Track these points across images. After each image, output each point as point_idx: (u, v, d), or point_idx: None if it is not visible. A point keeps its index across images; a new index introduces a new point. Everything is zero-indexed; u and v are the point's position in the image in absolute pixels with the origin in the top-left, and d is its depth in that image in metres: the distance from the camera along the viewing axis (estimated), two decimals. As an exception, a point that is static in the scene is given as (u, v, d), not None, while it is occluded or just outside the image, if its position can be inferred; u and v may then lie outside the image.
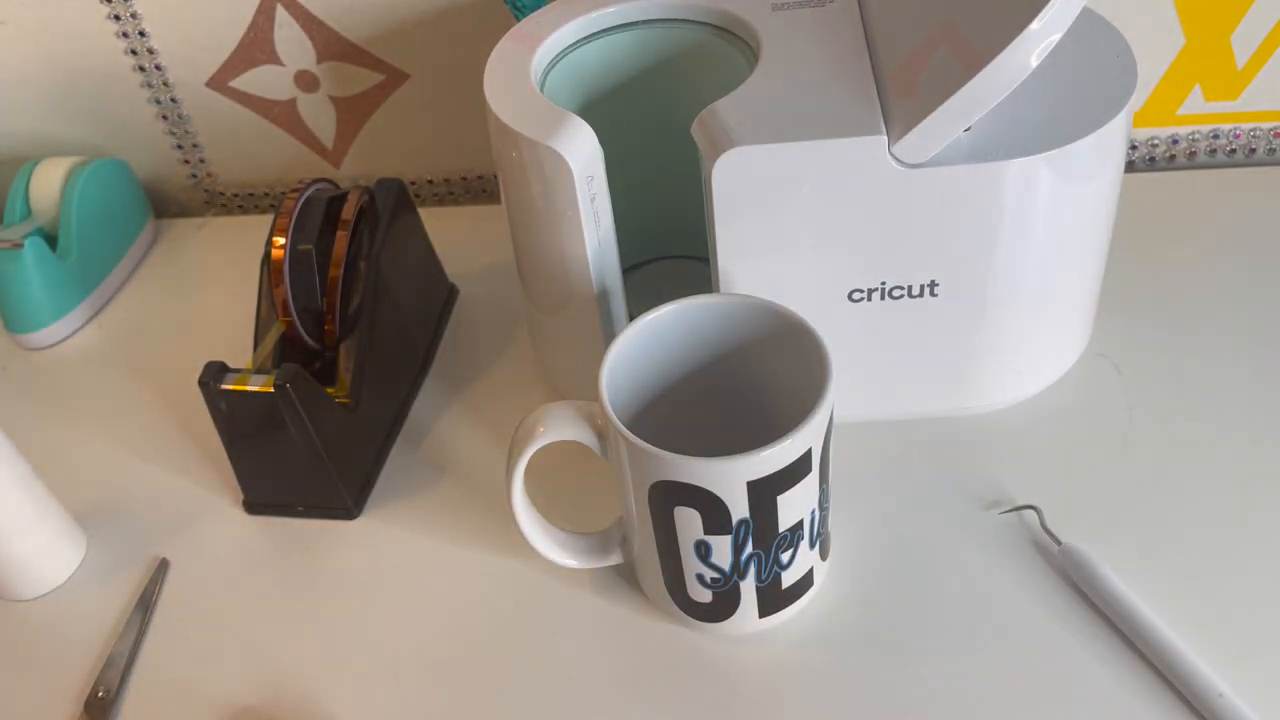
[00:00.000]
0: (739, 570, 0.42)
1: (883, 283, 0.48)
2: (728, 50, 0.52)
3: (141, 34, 0.74)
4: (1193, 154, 0.69)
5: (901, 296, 0.48)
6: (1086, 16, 0.50)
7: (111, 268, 0.74)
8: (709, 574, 0.43)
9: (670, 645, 0.47)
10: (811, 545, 0.44)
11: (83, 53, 0.75)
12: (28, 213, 0.71)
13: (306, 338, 0.56)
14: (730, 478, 0.39)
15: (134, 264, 0.76)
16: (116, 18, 0.73)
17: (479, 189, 0.79)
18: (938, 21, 0.45)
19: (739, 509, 0.40)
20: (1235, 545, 0.47)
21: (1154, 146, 0.70)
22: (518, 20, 0.57)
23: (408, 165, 0.78)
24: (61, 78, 0.77)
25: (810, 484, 0.42)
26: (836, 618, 0.47)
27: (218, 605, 0.52)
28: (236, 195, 0.82)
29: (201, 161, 0.81)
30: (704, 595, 0.44)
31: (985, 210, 0.46)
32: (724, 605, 0.44)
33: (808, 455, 0.40)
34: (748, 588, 0.43)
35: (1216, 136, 0.69)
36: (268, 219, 0.74)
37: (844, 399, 0.53)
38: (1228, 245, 0.62)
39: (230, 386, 0.51)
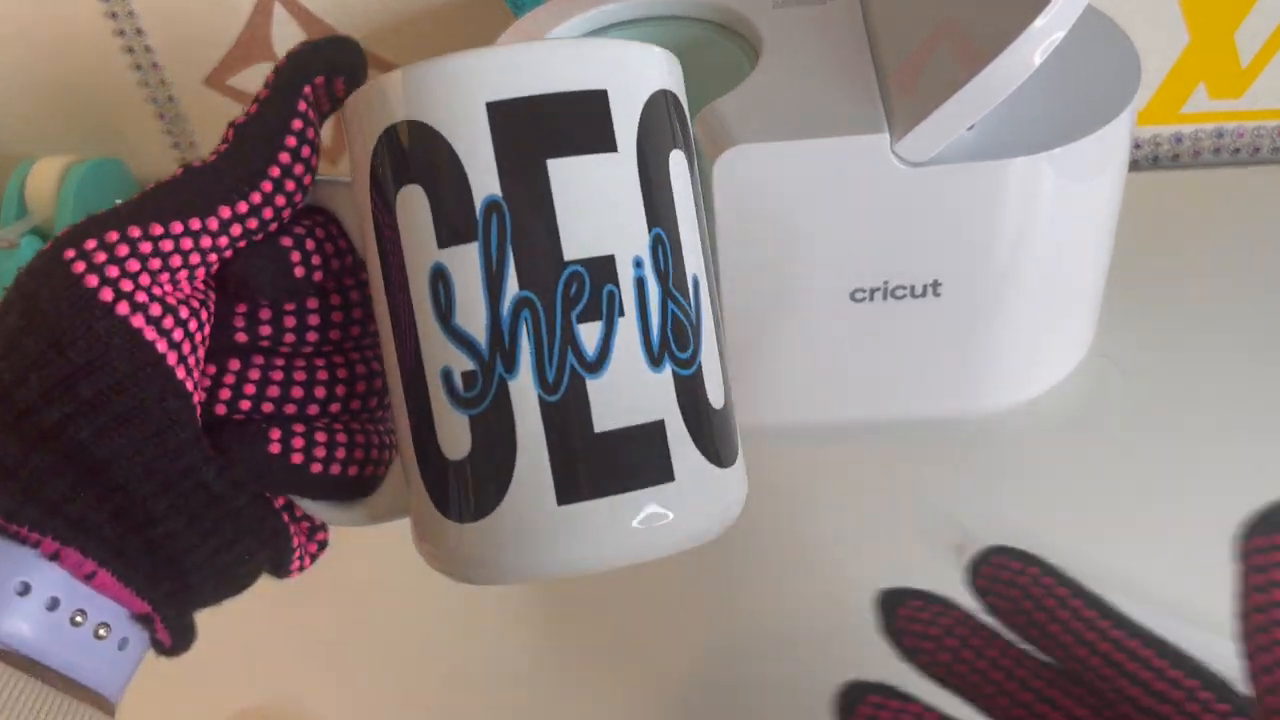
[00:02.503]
0: (502, 343, 0.23)
1: (885, 282, 0.48)
2: (728, 48, 0.52)
3: (139, 32, 0.73)
4: (1197, 153, 0.69)
5: (904, 296, 0.48)
6: (1090, 14, 0.49)
7: (108, 267, 0.73)
8: (458, 364, 0.24)
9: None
10: (652, 349, 0.24)
11: (79, 51, 0.75)
12: (23, 212, 0.71)
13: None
14: (454, 82, 0.23)
15: (131, 263, 0.76)
16: (113, 15, 0.72)
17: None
18: (940, 19, 0.45)
19: (484, 176, 0.23)
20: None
21: (1158, 145, 0.69)
22: (516, 17, 0.56)
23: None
24: (57, 76, 0.76)
25: (621, 177, 0.24)
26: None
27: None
28: (234, 194, 0.82)
29: (199, 160, 0.80)
30: (458, 436, 0.24)
31: (988, 209, 0.45)
32: (487, 460, 0.24)
33: (601, 105, 0.24)
34: (525, 401, 0.23)
35: (1221, 135, 0.68)
36: (265, 218, 0.73)
37: (845, 399, 0.53)
38: (1232, 245, 0.62)
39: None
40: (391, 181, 0.24)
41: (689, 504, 0.24)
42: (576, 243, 0.23)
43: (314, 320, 0.28)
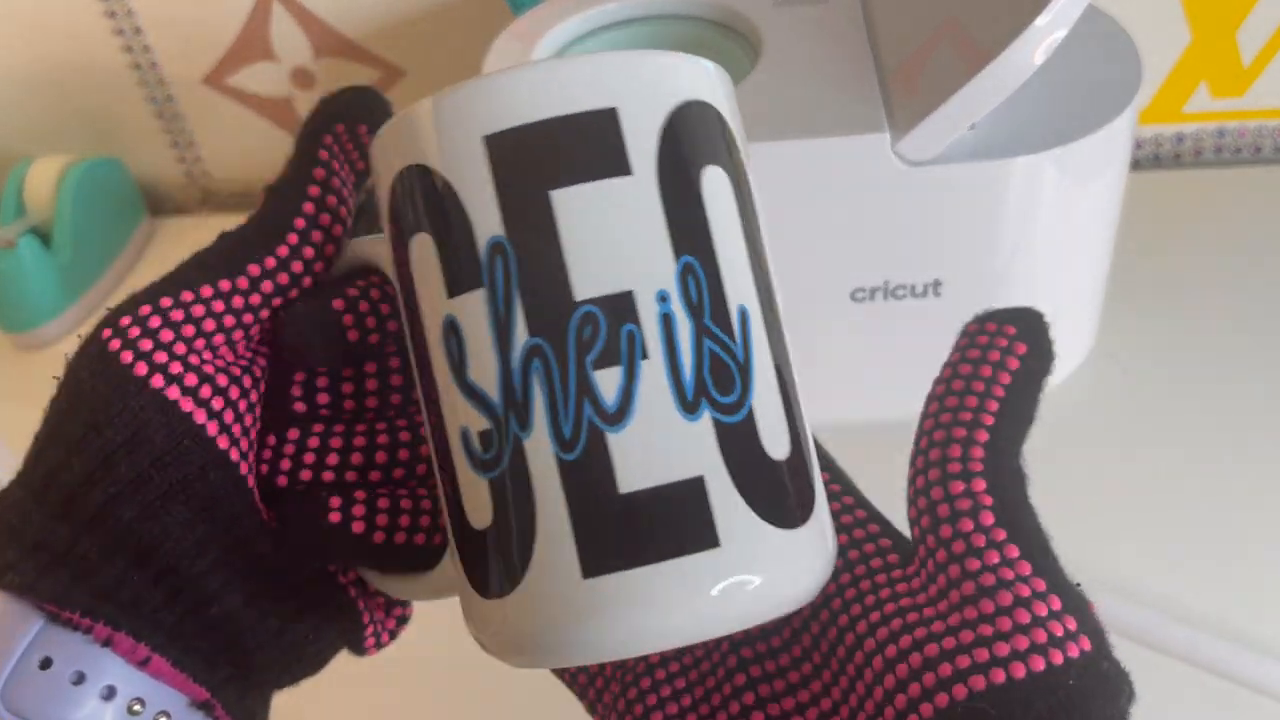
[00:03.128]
0: (514, 398, 0.21)
1: (886, 281, 0.48)
2: (729, 47, 0.52)
3: (137, 31, 0.73)
4: (1198, 152, 0.69)
5: (905, 296, 0.48)
6: (1091, 13, 0.49)
7: (106, 267, 0.73)
8: (475, 423, 0.22)
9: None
10: (684, 395, 0.21)
11: (77, 50, 0.74)
12: (21, 211, 0.71)
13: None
14: (448, 118, 0.21)
15: (129, 263, 0.76)
16: (112, 15, 0.72)
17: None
18: (941, 18, 0.44)
19: (486, 217, 0.21)
20: (1243, 546, 0.47)
21: (1159, 144, 0.69)
22: (516, 16, 0.56)
23: (405, 163, 0.77)
24: (56, 75, 0.76)
25: (637, 203, 0.21)
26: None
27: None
28: (232, 194, 0.82)
29: (197, 160, 0.80)
30: (480, 502, 0.22)
31: (989, 208, 0.45)
32: (507, 529, 0.21)
33: (610, 125, 0.21)
34: (541, 460, 0.21)
35: (1222, 134, 0.68)
36: (264, 217, 0.73)
37: (845, 399, 0.53)
38: (1234, 244, 0.61)
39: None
40: (404, 231, 0.22)
41: (740, 572, 0.20)
42: (588, 280, 0.21)
43: (372, 385, 0.27)
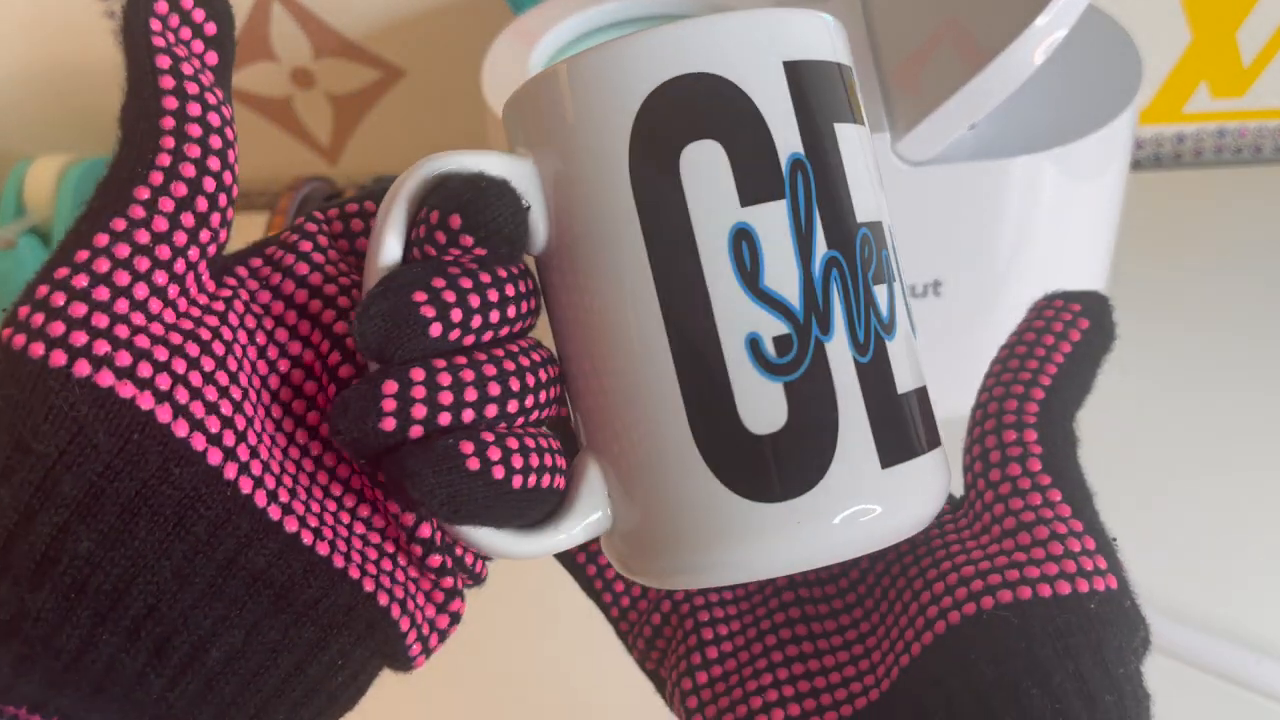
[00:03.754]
0: (815, 304, 0.22)
1: (885, 282, 0.48)
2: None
3: (137, 30, 0.73)
4: (1199, 152, 0.69)
5: (904, 296, 0.48)
6: (1091, 13, 0.49)
7: (107, 266, 0.73)
8: (769, 328, 0.22)
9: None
10: (910, 316, 0.25)
11: (77, 50, 0.75)
12: (21, 211, 0.71)
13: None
14: (751, 37, 0.22)
15: (129, 262, 0.76)
16: (112, 15, 0.72)
17: (477, 187, 0.78)
18: (941, 18, 0.44)
19: (787, 133, 0.22)
20: (1242, 545, 0.47)
21: (1160, 144, 0.69)
22: (516, 16, 0.56)
23: (405, 162, 0.76)
24: (56, 75, 0.76)
25: (868, 146, 0.24)
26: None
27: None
28: (233, 193, 0.82)
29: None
30: (769, 406, 0.22)
31: (989, 208, 0.45)
32: (809, 428, 0.22)
33: (852, 79, 0.24)
34: (842, 364, 0.22)
35: (1223, 134, 0.68)
36: (263, 217, 0.73)
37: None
38: (1234, 244, 0.61)
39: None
40: (673, 140, 0.22)
41: (945, 471, 0.25)
42: (862, 207, 0.23)
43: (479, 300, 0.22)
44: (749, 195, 0.22)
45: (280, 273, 0.23)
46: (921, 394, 0.24)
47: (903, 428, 0.23)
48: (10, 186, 0.71)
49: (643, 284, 0.22)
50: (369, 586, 0.21)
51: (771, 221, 0.22)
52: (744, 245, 0.22)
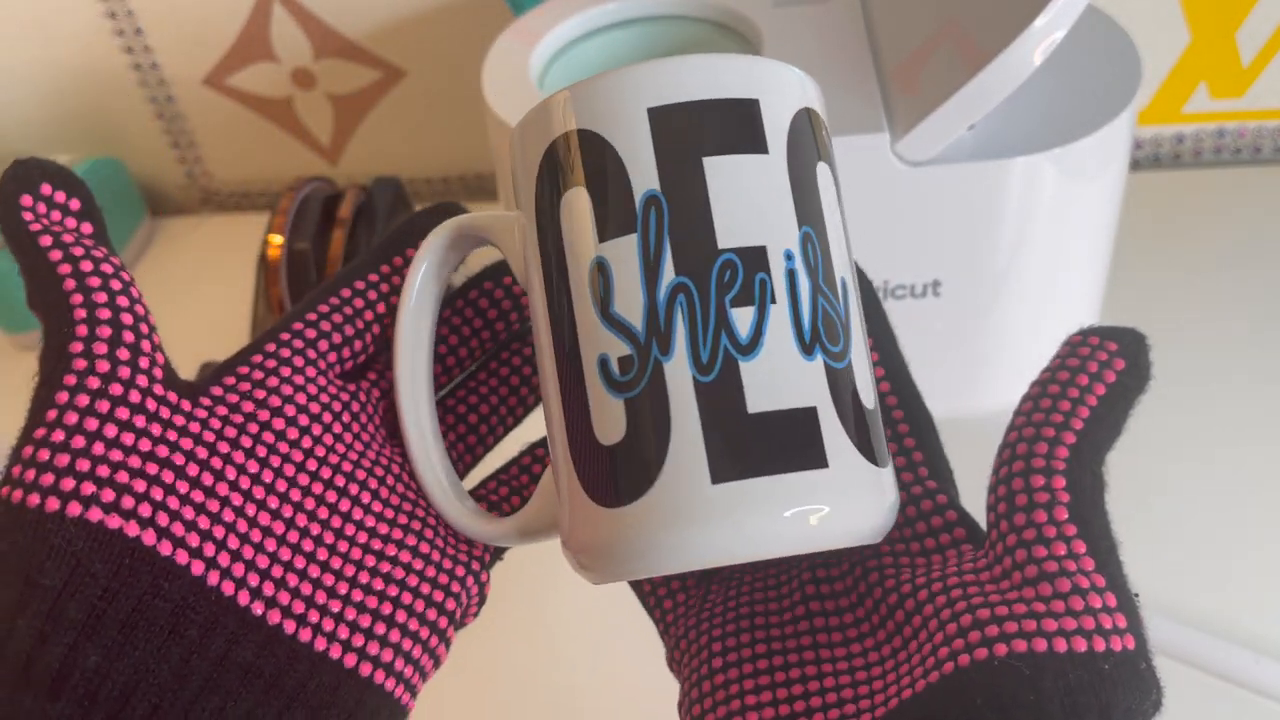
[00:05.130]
0: (658, 327, 0.24)
1: (885, 281, 0.48)
2: (729, 47, 0.52)
3: (137, 31, 0.73)
4: (1198, 152, 0.69)
5: (904, 296, 0.48)
6: (1091, 14, 0.49)
7: (107, 267, 0.73)
8: (615, 350, 0.24)
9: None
10: (803, 337, 0.24)
11: (78, 51, 0.75)
12: (23, 211, 0.71)
13: (303, 338, 0.56)
14: (618, 92, 0.25)
15: (129, 263, 0.76)
16: (112, 15, 0.72)
17: (477, 187, 0.78)
18: (941, 18, 0.44)
19: (643, 170, 0.25)
20: (1243, 546, 0.47)
21: (1159, 145, 0.69)
22: (516, 16, 0.56)
23: (405, 163, 0.77)
24: (57, 76, 0.76)
25: (772, 177, 0.25)
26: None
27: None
28: (233, 194, 0.82)
29: (198, 160, 0.80)
30: (613, 420, 0.24)
31: (989, 209, 0.45)
32: (642, 441, 0.24)
33: (753, 112, 0.25)
34: (680, 382, 0.24)
35: (1222, 134, 0.68)
36: (264, 218, 0.73)
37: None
38: (1233, 244, 0.61)
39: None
40: (557, 188, 0.26)
41: (844, 495, 0.24)
42: (731, 233, 0.24)
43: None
44: (605, 232, 0.25)
45: (262, 389, 0.26)
46: (801, 414, 0.24)
47: (748, 445, 0.23)
48: (11, 187, 0.71)
49: (542, 313, 0.26)
50: (350, 662, 0.24)
51: (623, 254, 0.24)
52: (599, 276, 0.25)
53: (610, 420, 0.24)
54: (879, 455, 0.25)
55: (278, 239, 0.55)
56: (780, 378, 0.24)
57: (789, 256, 0.24)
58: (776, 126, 0.25)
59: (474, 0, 0.68)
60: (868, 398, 0.25)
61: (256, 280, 0.56)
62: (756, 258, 0.24)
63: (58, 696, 0.20)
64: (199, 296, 0.71)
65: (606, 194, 0.25)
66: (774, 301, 0.24)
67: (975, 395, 0.53)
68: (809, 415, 0.24)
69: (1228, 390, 0.54)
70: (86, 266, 0.24)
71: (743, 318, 0.24)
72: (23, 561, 0.21)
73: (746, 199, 0.24)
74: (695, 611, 0.28)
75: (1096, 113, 0.45)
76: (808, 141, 0.26)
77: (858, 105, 0.44)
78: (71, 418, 0.23)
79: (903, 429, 0.28)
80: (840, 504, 0.24)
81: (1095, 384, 0.25)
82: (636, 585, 0.30)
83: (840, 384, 0.24)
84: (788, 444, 0.23)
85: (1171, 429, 0.52)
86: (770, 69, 0.26)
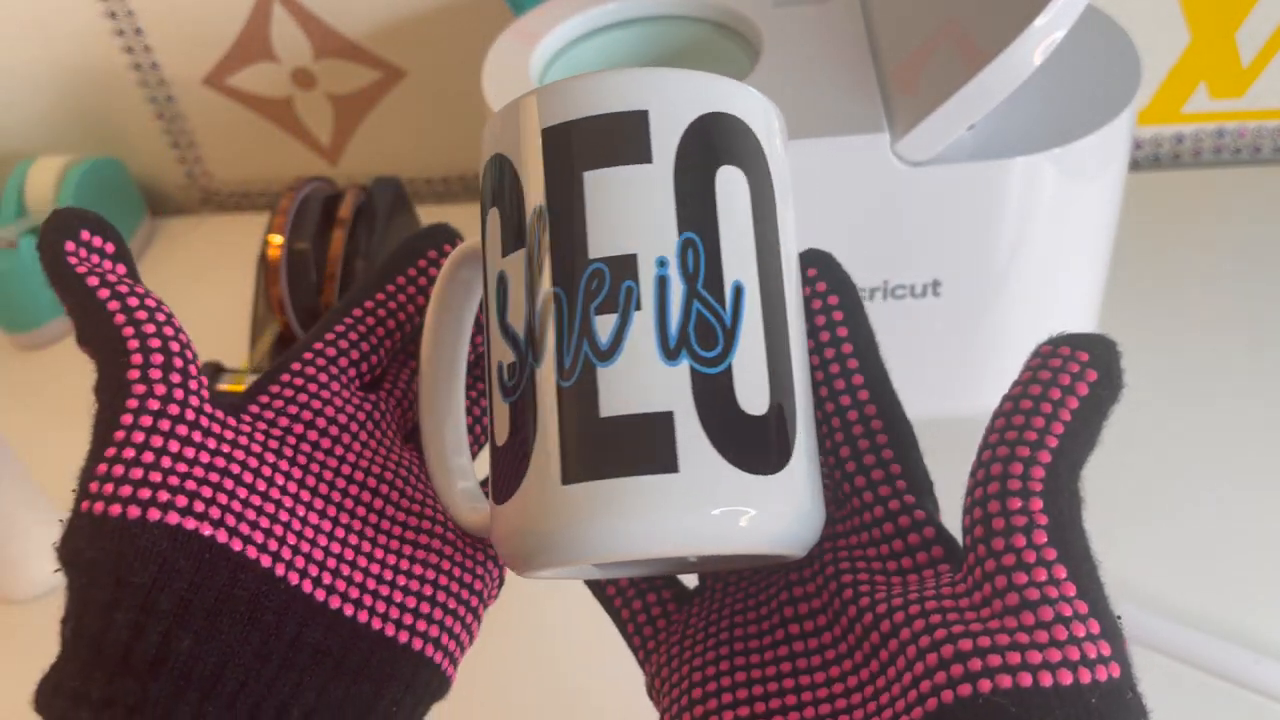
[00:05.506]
0: (533, 336, 0.25)
1: (885, 281, 0.48)
2: (728, 47, 0.52)
3: (137, 31, 0.73)
4: (1198, 152, 0.69)
5: (904, 296, 0.48)
6: (1090, 14, 0.49)
7: (107, 267, 0.73)
8: (506, 358, 0.26)
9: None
10: (667, 343, 0.24)
11: (78, 51, 0.75)
12: (22, 211, 0.71)
13: (303, 337, 0.56)
14: (521, 115, 0.27)
15: (130, 263, 0.76)
16: (112, 15, 0.72)
17: (477, 188, 0.78)
18: (940, 18, 0.44)
19: (534, 188, 0.26)
20: (1243, 545, 0.47)
21: (1159, 145, 0.69)
22: (517, 16, 0.56)
23: (405, 163, 0.77)
24: (57, 76, 0.76)
25: (651, 186, 0.25)
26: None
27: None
28: (233, 194, 0.82)
29: (198, 160, 0.80)
30: (502, 423, 0.26)
31: (988, 209, 0.45)
32: (517, 443, 0.26)
33: (639, 123, 0.26)
34: (546, 387, 0.25)
35: (1221, 135, 0.68)
36: (264, 218, 0.73)
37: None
38: (1233, 244, 0.61)
39: (226, 387, 0.50)
40: (484, 208, 0.28)
41: (701, 500, 0.24)
42: (601, 243, 0.25)
43: None
44: (506, 247, 0.26)
45: (294, 405, 0.29)
46: (656, 418, 0.24)
47: (598, 448, 0.24)
48: (11, 187, 0.71)
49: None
50: (403, 639, 0.27)
51: (515, 266, 0.26)
52: (500, 288, 0.26)
53: (501, 423, 0.26)
54: (764, 462, 0.24)
55: (278, 239, 0.55)
56: (636, 383, 0.24)
57: (661, 263, 0.25)
58: (666, 136, 0.26)
59: (474, 0, 0.68)
60: (755, 403, 0.25)
61: (256, 280, 0.56)
62: (625, 266, 0.25)
63: (156, 678, 0.23)
64: (199, 296, 0.71)
65: (509, 212, 0.27)
66: (638, 308, 0.24)
67: (975, 395, 0.53)
68: (664, 420, 0.24)
69: (1227, 390, 0.54)
70: (133, 303, 0.27)
71: (604, 325, 0.24)
72: (113, 565, 0.23)
73: (621, 209, 0.25)
74: (675, 638, 0.28)
75: (1096, 113, 0.45)
76: (708, 147, 0.26)
77: (858, 105, 0.44)
78: (138, 436, 0.25)
79: (881, 439, 0.27)
80: (697, 509, 0.24)
81: (1068, 398, 0.25)
82: (614, 614, 0.30)
83: (709, 389, 0.24)
84: (638, 447, 0.24)
85: (1171, 429, 0.52)
86: (662, 80, 0.26)
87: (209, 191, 0.82)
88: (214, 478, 0.25)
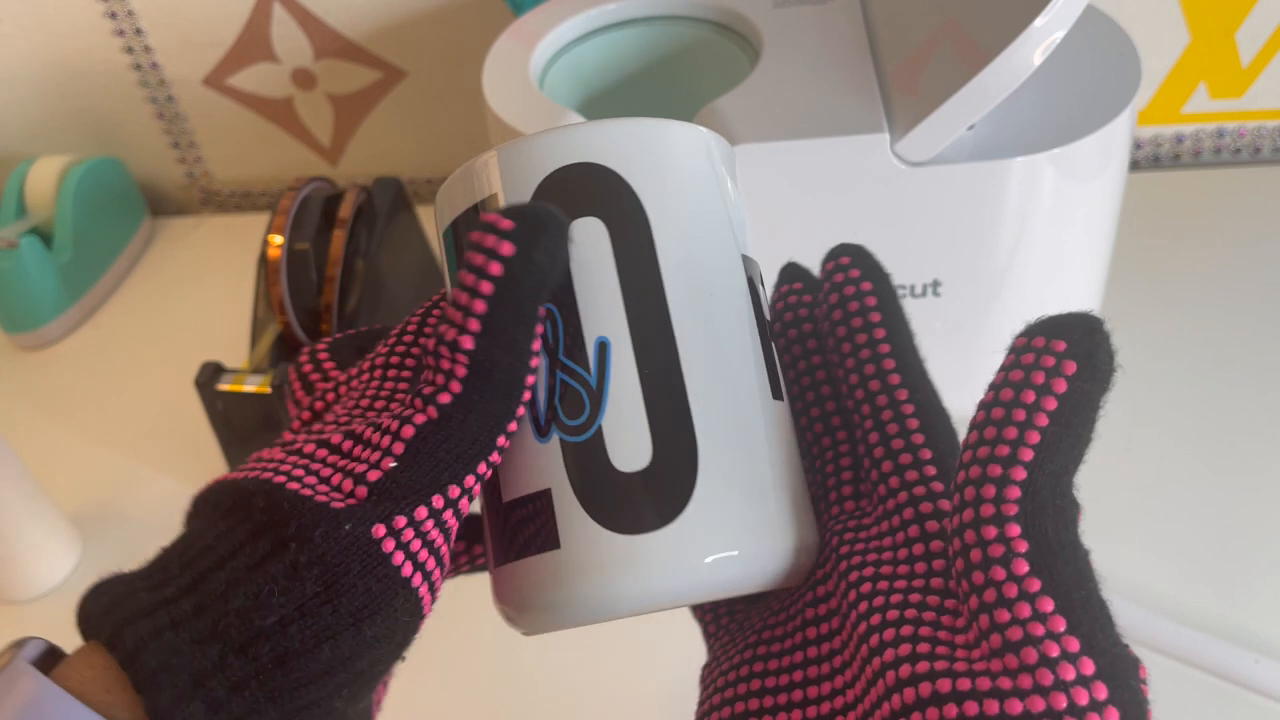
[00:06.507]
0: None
1: (885, 282, 0.48)
2: (729, 47, 0.52)
3: (138, 32, 0.73)
4: (1197, 152, 0.69)
5: (904, 296, 0.48)
6: (1090, 14, 0.49)
7: (107, 267, 0.73)
8: None
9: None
10: (538, 421, 0.25)
11: (78, 51, 0.75)
12: (23, 212, 0.71)
13: (303, 337, 0.56)
14: (440, 213, 0.28)
15: (130, 263, 0.76)
16: (113, 15, 0.72)
17: (478, 187, 0.78)
18: (940, 19, 0.44)
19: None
20: (1243, 545, 0.47)
21: (1158, 145, 0.69)
22: (517, 17, 0.56)
23: (406, 163, 0.77)
24: (57, 76, 0.76)
25: None
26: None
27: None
28: (233, 194, 0.82)
29: (198, 160, 0.80)
30: None
31: (988, 209, 0.45)
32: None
33: (495, 205, 0.26)
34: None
35: (1221, 135, 0.68)
36: (264, 218, 0.73)
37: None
38: (1232, 244, 0.61)
39: (226, 387, 0.50)
40: None
41: (583, 573, 0.24)
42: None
43: None
44: None
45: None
46: (537, 498, 0.25)
47: (501, 535, 0.26)
48: (12, 187, 0.71)
49: None
50: (413, 579, 0.25)
51: None
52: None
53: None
54: (640, 521, 0.24)
55: (278, 239, 0.55)
56: (520, 466, 0.25)
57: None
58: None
59: (474, 0, 0.68)
60: (627, 460, 0.24)
61: (257, 280, 0.56)
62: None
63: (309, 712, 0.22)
64: (199, 296, 0.71)
65: None
66: None
67: (975, 396, 0.53)
68: (544, 498, 0.24)
69: (1227, 390, 0.54)
70: (530, 380, 0.25)
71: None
72: (363, 606, 0.22)
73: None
74: (730, 635, 0.27)
75: (1096, 113, 0.45)
76: (559, 202, 0.25)
77: (858, 105, 0.44)
78: (465, 503, 0.24)
79: (912, 424, 0.26)
80: (583, 582, 0.24)
81: (1044, 399, 0.21)
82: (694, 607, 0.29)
83: (580, 457, 0.24)
84: (529, 530, 0.24)
85: (1171, 428, 0.52)
86: (509, 154, 0.26)
87: (209, 191, 0.82)
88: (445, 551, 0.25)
